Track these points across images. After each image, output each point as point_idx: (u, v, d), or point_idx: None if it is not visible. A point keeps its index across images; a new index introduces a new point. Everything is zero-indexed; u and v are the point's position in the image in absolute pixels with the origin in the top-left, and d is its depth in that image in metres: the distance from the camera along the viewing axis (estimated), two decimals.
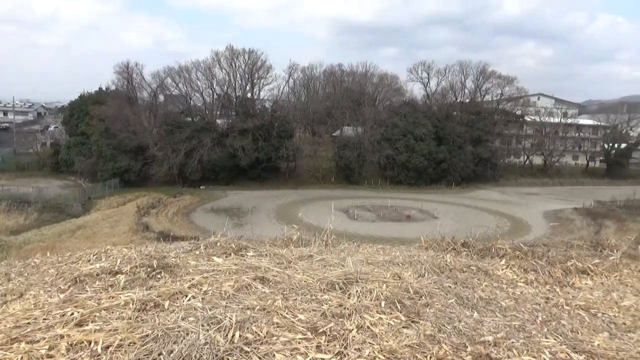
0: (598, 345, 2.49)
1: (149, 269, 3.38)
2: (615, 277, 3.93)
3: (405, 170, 64.39)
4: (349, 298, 2.89)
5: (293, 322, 2.53)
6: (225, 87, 66.78)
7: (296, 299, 2.87)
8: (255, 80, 67.55)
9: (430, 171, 64.51)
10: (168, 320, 2.48)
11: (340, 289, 3.06)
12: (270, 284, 3.15)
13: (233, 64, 65.57)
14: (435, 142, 65.88)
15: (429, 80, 78.49)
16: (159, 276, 3.29)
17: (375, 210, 47.36)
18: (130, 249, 4.14)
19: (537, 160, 78.68)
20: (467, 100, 76.36)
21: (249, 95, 68.09)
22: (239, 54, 65.54)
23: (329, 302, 2.80)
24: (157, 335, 2.32)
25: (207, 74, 65.07)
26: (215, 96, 67.42)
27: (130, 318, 2.56)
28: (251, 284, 3.09)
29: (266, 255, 3.98)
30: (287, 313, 2.63)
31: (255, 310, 2.67)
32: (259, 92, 70.07)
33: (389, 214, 45.81)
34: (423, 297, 3.00)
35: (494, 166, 70.41)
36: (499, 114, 76.14)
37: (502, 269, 3.92)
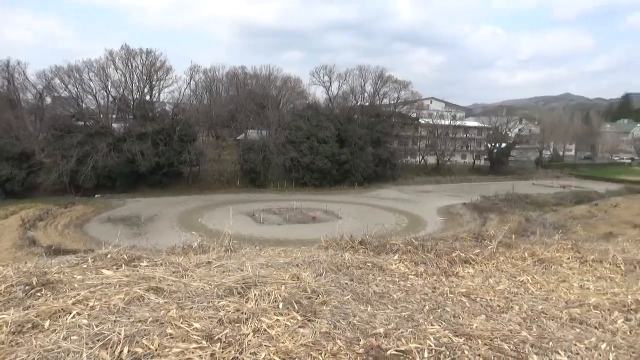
0: (476, 327, 2.73)
1: (27, 287, 3.09)
2: (493, 264, 4.33)
3: (310, 172, 65.47)
4: (247, 302, 2.87)
5: (188, 331, 2.46)
6: (122, 90, 63.02)
7: (192, 308, 2.79)
8: (154, 83, 64.58)
9: (334, 173, 66.22)
10: (47, 342, 2.29)
11: (239, 294, 3.03)
12: (165, 294, 3.03)
13: (130, 64, 62.07)
14: (338, 145, 67.79)
15: (331, 84, 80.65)
16: (39, 294, 3.02)
17: (281, 213, 47.53)
18: (6, 267, 3.74)
19: (431, 160, 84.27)
20: (367, 104, 79.58)
21: (147, 98, 64.90)
22: (136, 55, 62.22)
23: (227, 308, 2.77)
24: (34, 359, 2.13)
25: (100, 74, 60.91)
26: (110, 99, 63.36)
27: (3, 343, 2.32)
28: (144, 296, 2.96)
29: (162, 264, 3.82)
30: (182, 323, 2.55)
31: (148, 322, 2.56)
32: (159, 95, 67.25)
33: (295, 217, 46.20)
34: (320, 296, 3.07)
35: (393, 166, 74.08)
36: (397, 117, 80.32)
37: (396, 264, 4.15)
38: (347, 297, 3.13)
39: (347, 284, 3.44)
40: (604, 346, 2.58)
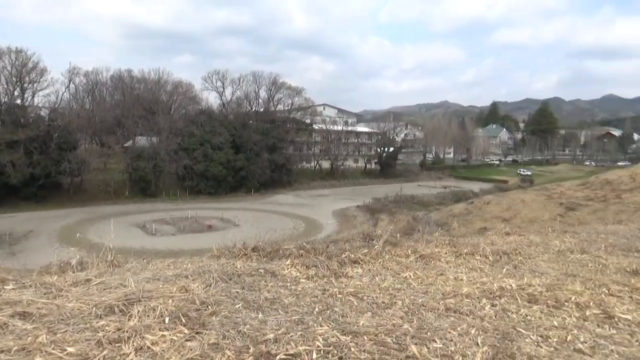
0: (362, 324, 2.85)
1: None
2: (379, 263, 4.57)
3: (205, 180, 63.71)
4: (129, 320, 2.71)
5: (61, 357, 2.26)
6: None
7: (66, 331, 2.56)
8: (26, 85, 58.29)
9: (229, 179, 65.13)
10: None
11: (120, 312, 2.85)
12: (34, 318, 2.75)
13: None
14: (233, 151, 66.85)
15: (224, 89, 79.43)
16: None
17: (175, 223, 45.59)
18: None
19: (325, 164, 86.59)
20: (262, 110, 79.58)
21: (18, 101, 58.38)
22: (3, 53, 55.73)
23: (106, 328, 2.58)
24: None
25: None
26: None
27: None
28: (7, 323, 2.65)
29: (31, 285, 3.46)
30: (53, 348, 2.33)
31: (12, 352, 2.30)
32: (32, 99, 60.79)
33: (189, 226, 44.61)
34: (210, 307, 3.00)
35: (289, 171, 74.83)
36: (291, 122, 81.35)
37: (288, 269, 4.19)
38: (237, 306, 3.09)
39: (237, 292, 3.40)
40: (473, 331, 2.83)
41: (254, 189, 67.26)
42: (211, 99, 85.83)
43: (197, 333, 2.59)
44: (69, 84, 66.33)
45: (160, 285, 3.40)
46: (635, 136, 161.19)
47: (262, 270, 4.06)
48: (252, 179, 67.46)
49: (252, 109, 79.52)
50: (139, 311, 2.81)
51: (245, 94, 79.54)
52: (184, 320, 2.72)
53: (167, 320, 2.72)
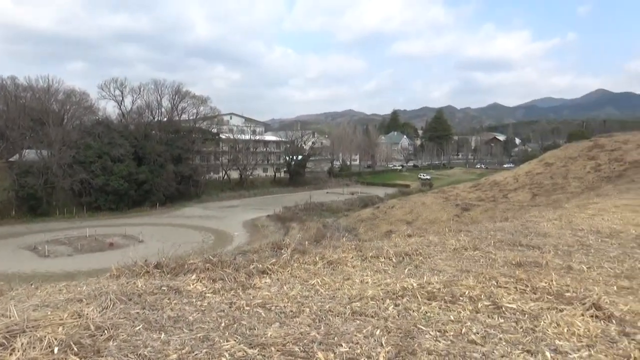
0: (270, 335, 2.82)
1: None
2: (288, 272, 4.57)
3: (104, 195, 59.74)
4: (11, 354, 2.44)
5: None
6: None
7: None
8: None
9: (132, 193, 61.70)
10: None
11: (1, 346, 2.56)
12: None
13: None
14: (135, 163, 63.49)
15: (123, 98, 75.28)
16: None
17: (71, 243, 42.16)
18: None
19: (234, 174, 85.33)
20: (165, 119, 76.52)
21: None
22: None
23: None
24: None
25: None
26: None
27: None
28: None
29: None
30: None
31: None
32: None
33: (88, 245, 41.50)
34: (106, 331, 2.80)
35: (196, 183, 72.60)
36: (197, 132, 79.17)
37: (193, 284, 4.04)
38: (137, 328, 2.91)
39: (138, 313, 3.21)
40: (377, 332, 2.93)
41: (159, 202, 64.28)
42: (109, 109, 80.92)
43: None
44: None
45: (49, 312, 3.11)
46: (517, 140, 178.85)
47: (165, 288, 3.88)
48: (156, 192, 64.43)
49: (154, 118, 76.10)
50: (22, 343, 2.55)
51: (147, 103, 76.05)
52: (75, 349, 2.51)
53: (56, 350, 2.49)
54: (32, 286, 4.76)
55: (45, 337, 2.62)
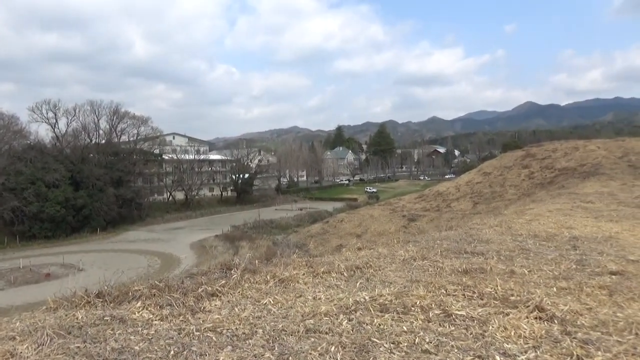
0: None
1: None
2: (239, 292, 4.45)
3: (39, 222, 56.35)
4: None
5: None
6: None
7: None
8: None
9: (69, 219, 58.60)
10: None
11: None
12: None
13: None
14: (72, 188, 60.50)
15: (56, 120, 71.75)
16: None
17: (3, 276, 39.33)
18: None
19: (179, 195, 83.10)
20: (104, 141, 73.63)
21: None
22: None
23: None
24: None
25: None
26: None
27: None
28: None
29: None
30: None
31: None
32: None
33: (22, 277, 38.83)
34: None
35: (139, 206, 70.06)
36: (138, 153, 76.67)
37: (139, 312, 3.84)
38: None
39: (78, 347, 3.01)
40: (332, 348, 2.90)
41: (100, 227, 61.38)
42: (42, 132, 76.52)
43: None
44: None
45: None
46: (456, 152, 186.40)
47: (108, 318, 3.66)
48: (96, 217, 61.53)
49: (92, 141, 72.96)
50: None
51: (83, 125, 72.85)
52: None
53: None
54: None
55: None
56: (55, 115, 71.32)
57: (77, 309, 4.17)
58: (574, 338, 3.07)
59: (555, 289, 4.40)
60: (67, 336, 3.23)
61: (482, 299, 4.00)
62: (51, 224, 57.14)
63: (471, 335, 3.14)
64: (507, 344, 2.98)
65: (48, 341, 3.10)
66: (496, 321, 3.36)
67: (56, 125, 71.94)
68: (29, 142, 70.21)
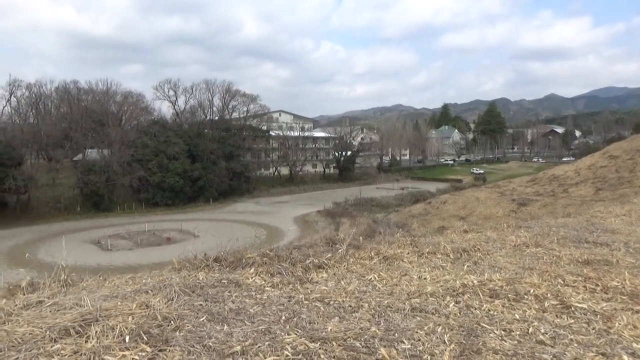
0: (330, 329, 2.82)
1: None
2: (344, 266, 4.56)
3: (161, 191, 62.18)
4: (86, 342, 2.57)
5: None
6: None
7: (17, 358, 2.40)
8: None
9: (187, 190, 63.85)
10: None
11: (77, 333, 2.70)
12: None
13: None
14: (189, 160, 65.62)
15: (176, 98, 77.93)
16: None
17: (131, 237, 44.21)
18: None
19: (284, 170, 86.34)
20: (217, 118, 78.55)
21: None
22: None
23: (61, 352, 2.44)
24: None
25: None
26: None
27: None
28: None
29: None
30: None
31: None
32: None
33: (147, 239, 43.37)
34: (172, 322, 2.89)
35: (247, 179, 74.12)
36: (247, 129, 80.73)
37: (252, 277, 4.11)
38: (201, 319, 3.00)
39: (201, 304, 3.30)
40: (439, 329, 2.87)
41: (212, 198, 66.20)
42: (164, 109, 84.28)
43: (160, 350, 2.49)
44: (10, 97, 63.43)
45: (119, 303, 3.25)
46: (577, 133, 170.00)
47: (225, 281, 3.97)
48: (210, 188, 66.38)
49: (206, 117, 78.36)
50: (96, 332, 2.68)
51: (199, 103, 78.40)
52: (145, 338, 2.61)
53: (127, 339, 2.60)
54: (101, 278, 4.99)
55: (117, 326, 2.75)
56: (175, 93, 77.61)
57: (198, 270, 4.57)
58: None
59: None
60: (191, 294, 3.56)
61: (606, 293, 3.67)
62: (171, 193, 62.77)
63: (593, 331, 2.91)
64: (637, 344, 2.72)
65: (176, 297, 3.44)
66: (624, 318, 3.07)
67: (176, 103, 78.30)
68: (153, 117, 77.40)
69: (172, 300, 3.37)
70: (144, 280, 4.42)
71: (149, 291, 3.72)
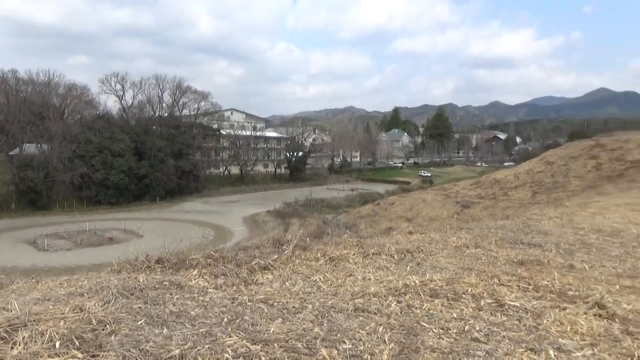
0: (273, 331, 2.81)
1: None
2: (290, 267, 4.56)
3: (105, 189, 59.75)
4: (12, 348, 2.42)
5: None
6: None
7: None
8: None
9: (132, 188, 61.71)
10: None
11: (2, 339, 2.54)
12: None
13: None
14: (135, 158, 63.46)
15: (124, 92, 75.05)
16: None
17: (70, 237, 42.16)
18: None
19: (235, 170, 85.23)
20: (166, 114, 76.40)
21: None
22: None
23: None
24: None
25: None
26: None
27: None
28: None
29: None
30: None
31: None
32: None
33: (87, 239, 41.49)
34: (108, 326, 2.78)
35: (196, 178, 72.56)
36: (197, 127, 79.04)
37: (195, 279, 4.03)
38: (139, 322, 2.90)
39: (140, 307, 3.20)
40: (380, 329, 2.92)
41: (159, 197, 64.31)
42: (110, 104, 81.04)
43: (92, 356, 2.39)
44: None
45: (51, 306, 3.09)
46: (518, 139, 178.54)
47: (167, 283, 3.87)
48: (157, 186, 64.44)
49: (155, 114, 76.01)
50: (24, 337, 2.53)
51: (148, 98, 75.88)
52: (77, 343, 2.49)
53: (57, 344, 2.47)
54: (33, 280, 4.74)
55: (46, 331, 2.61)
56: (123, 87, 74.70)
57: (139, 272, 4.42)
58: (635, 339, 2.92)
59: (618, 287, 4.18)
60: (130, 297, 3.44)
61: (537, 292, 3.87)
62: (115, 191, 60.42)
63: (524, 327, 3.06)
64: (562, 339, 2.88)
65: (113, 300, 3.31)
66: (552, 315, 3.25)
67: (123, 97, 75.39)
68: (98, 112, 74.17)
69: (109, 303, 3.24)
70: (80, 283, 4.23)
71: (85, 294, 3.57)
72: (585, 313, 3.33)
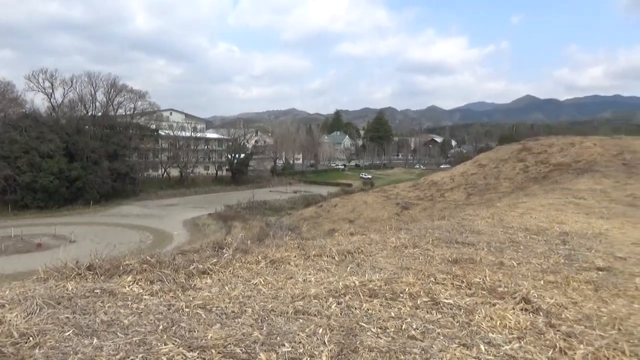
0: (211, 337, 2.75)
1: None
2: (230, 271, 4.48)
3: (32, 193, 56.11)
4: None
5: None
6: None
7: None
8: None
9: (63, 191, 58.37)
10: None
11: None
12: None
13: None
14: (66, 159, 60.10)
15: (53, 90, 70.81)
16: None
17: None
18: None
19: (174, 172, 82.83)
20: (100, 114, 72.97)
21: None
22: None
23: None
24: None
25: None
26: None
27: None
28: None
29: None
30: None
31: None
32: None
33: (13, 246, 38.81)
34: (31, 338, 2.61)
35: (133, 180, 69.82)
36: (134, 128, 76.12)
37: (129, 286, 3.86)
38: (67, 333, 2.74)
39: (68, 317, 3.02)
40: (320, 330, 2.93)
41: (93, 200, 61.22)
42: (38, 102, 75.77)
43: None
44: None
45: None
46: (453, 142, 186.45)
47: (98, 291, 3.68)
48: (90, 189, 61.32)
49: (88, 113, 72.32)
50: None
51: (80, 97, 72.03)
52: None
53: None
54: None
55: None
56: (52, 85, 70.48)
57: (68, 280, 4.18)
58: (557, 330, 3.12)
59: (542, 282, 4.45)
60: (56, 306, 3.24)
61: (470, 289, 4.04)
62: (44, 195, 56.93)
63: (457, 324, 3.19)
64: (492, 334, 3.03)
65: (37, 310, 3.11)
66: (483, 311, 3.41)
67: (52, 95, 71.15)
68: (24, 110, 69.50)
69: (33, 314, 3.04)
70: (1, 293, 3.93)
71: (6, 305, 3.33)
72: (513, 308, 3.52)
